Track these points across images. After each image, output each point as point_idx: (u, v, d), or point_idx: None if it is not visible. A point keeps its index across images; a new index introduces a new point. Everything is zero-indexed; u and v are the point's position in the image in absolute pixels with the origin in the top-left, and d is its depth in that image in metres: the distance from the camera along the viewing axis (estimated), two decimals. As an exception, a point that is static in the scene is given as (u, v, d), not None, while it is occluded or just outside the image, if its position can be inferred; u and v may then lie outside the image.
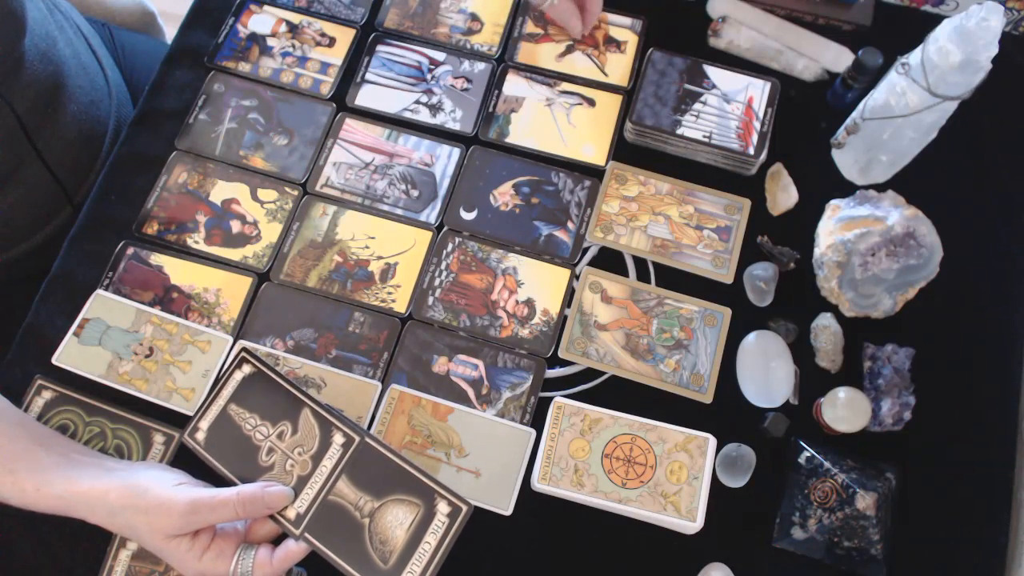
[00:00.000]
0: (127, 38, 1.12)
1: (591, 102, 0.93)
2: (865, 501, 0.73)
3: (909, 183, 0.86)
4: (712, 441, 0.74)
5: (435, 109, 0.93)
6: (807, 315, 0.84)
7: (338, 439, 0.72)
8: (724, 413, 0.80)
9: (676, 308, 0.84)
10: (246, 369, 0.75)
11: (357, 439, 0.71)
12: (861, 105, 0.85)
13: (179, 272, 0.85)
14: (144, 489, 0.67)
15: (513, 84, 0.94)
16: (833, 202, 0.84)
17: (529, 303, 0.85)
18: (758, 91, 0.90)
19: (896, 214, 0.80)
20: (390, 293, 0.85)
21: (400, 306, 0.84)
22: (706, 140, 0.87)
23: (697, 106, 0.89)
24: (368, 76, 0.94)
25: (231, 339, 0.83)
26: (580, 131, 0.92)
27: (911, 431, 0.80)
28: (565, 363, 0.83)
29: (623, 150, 0.91)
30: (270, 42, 0.96)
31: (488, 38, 0.96)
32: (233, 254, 0.86)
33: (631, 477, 0.73)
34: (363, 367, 0.82)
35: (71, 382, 0.80)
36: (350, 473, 0.70)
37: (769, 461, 0.79)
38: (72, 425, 0.79)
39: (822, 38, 0.94)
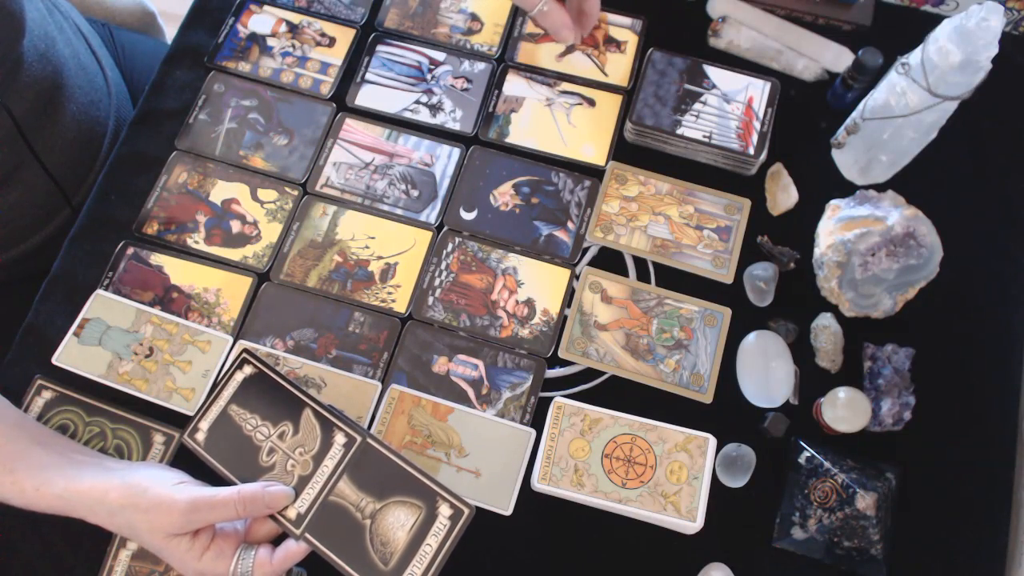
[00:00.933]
0: (127, 38, 1.12)
1: (591, 102, 0.93)
2: (865, 501, 0.73)
3: (909, 183, 0.86)
4: (712, 441, 0.74)
5: (435, 109, 0.93)
6: (807, 315, 0.84)
7: (340, 439, 0.72)
8: (724, 413, 0.80)
9: (676, 308, 0.84)
10: (247, 370, 0.75)
11: (359, 439, 0.71)
12: (861, 105, 0.85)
13: (179, 272, 0.85)
14: (144, 488, 0.67)
15: (513, 84, 0.94)
16: (833, 202, 0.84)
17: (529, 303, 0.85)
18: (758, 91, 0.90)
19: (896, 214, 0.80)
20: (390, 293, 0.85)
21: (400, 306, 0.84)
22: (706, 140, 0.87)
23: (697, 106, 0.89)
24: (368, 76, 0.94)
25: (231, 339, 0.83)
26: (580, 131, 0.92)
27: (911, 431, 0.80)
28: (565, 363, 0.83)
29: (623, 150, 0.91)
30: (270, 42, 0.96)
31: (488, 38, 0.96)
32: (233, 254, 0.86)
33: (631, 477, 0.73)
34: (363, 367, 0.82)
35: (71, 382, 0.80)
36: (352, 474, 0.70)
37: (769, 461, 0.79)
38: (72, 425, 0.79)
39: (822, 38, 0.94)
